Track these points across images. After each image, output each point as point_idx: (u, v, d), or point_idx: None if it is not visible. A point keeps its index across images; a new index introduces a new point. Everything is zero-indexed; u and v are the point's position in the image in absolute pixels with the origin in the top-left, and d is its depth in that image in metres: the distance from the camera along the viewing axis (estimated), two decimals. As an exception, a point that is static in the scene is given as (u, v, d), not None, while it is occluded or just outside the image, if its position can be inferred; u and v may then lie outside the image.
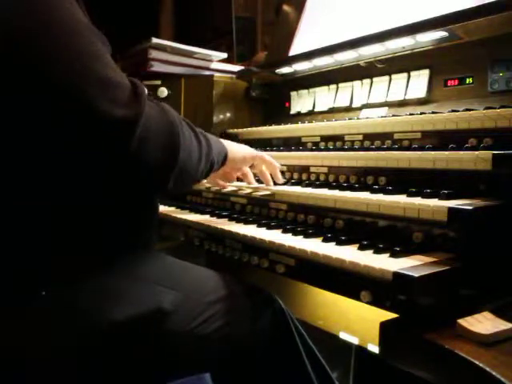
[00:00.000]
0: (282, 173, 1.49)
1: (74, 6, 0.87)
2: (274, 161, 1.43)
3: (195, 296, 1.01)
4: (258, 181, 1.58)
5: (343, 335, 1.67)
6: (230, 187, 1.55)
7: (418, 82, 1.52)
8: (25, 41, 0.79)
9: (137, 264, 1.02)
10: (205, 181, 1.50)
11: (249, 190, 1.47)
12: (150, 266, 1.04)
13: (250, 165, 1.42)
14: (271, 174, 1.45)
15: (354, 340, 1.63)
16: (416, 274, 0.81)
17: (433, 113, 1.26)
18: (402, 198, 1.04)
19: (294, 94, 2.01)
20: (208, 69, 2.18)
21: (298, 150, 1.62)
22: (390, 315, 0.88)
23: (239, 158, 1.34)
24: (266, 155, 1.42)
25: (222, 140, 1.24)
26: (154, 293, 0.97)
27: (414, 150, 1.20)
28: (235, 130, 2.02)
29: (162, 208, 1.71)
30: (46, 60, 0.79)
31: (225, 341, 1.02)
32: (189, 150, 0.98)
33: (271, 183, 1.44)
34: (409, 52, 1.52)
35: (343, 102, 1.77)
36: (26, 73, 0.80)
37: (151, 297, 0.96)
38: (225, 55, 2.21)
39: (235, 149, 1.32)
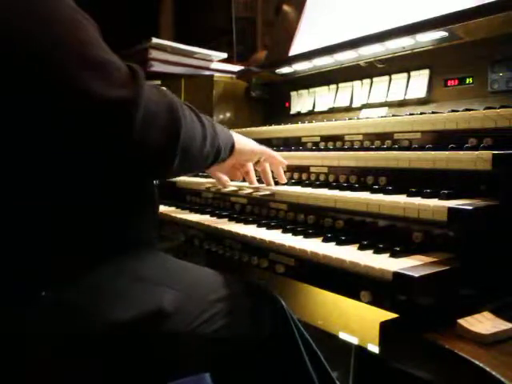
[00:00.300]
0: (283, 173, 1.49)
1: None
2: (281, 158, 1.42)
3: (196, 296, 1.01)
4: (259, 181, 1.58)
5: (343, 335, 1.67)
6: (230, 187, 1.54)
7: (418, 82, 1.52)
8: (19, 31, 0.79)
9: (137, 264, 1.02)
10: (210, 178, 1.50)
11: (249, 190, 1.47)
12: (150, 266, 1.04)
13: (256, 160, 1.40)
14: (274, 174, 1.44)
15: (354, 340, 1.63)
16: (416, 274, 0.81)
17: (433, 113, 1.26)
18: (401, 198, 1.04)
19: (293, 94, 2.01)
20: (208, 69, 2.18)
21: (298, 149, 1.61)
22: (390, 315, 0.88)
23: (247, 150, 1.32)
24: (274, 152, 1.42)
25: (229, 130, 1.23)
26: (155, 293, 0.97)
27: (414, 149, 1.20)
28: (235, 130, 2.02)
29: (162, 208, 1.71)
30: (41, 52, 0.79)
31: (226, 340, 1.02)
32: (191, 131, 0.96)
33: (272, 184, 1.44)
34: (409, 52, 1.52)
35: (343, 101, 1.77)
36: (23, 67, 0.79)
37: (152, 297, 0.95)
38: (225, 55, 2.21)
39: (243, 141, 1.31)
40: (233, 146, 1.23)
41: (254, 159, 1.40)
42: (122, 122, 0.81)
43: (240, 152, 1.27)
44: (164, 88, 0.95)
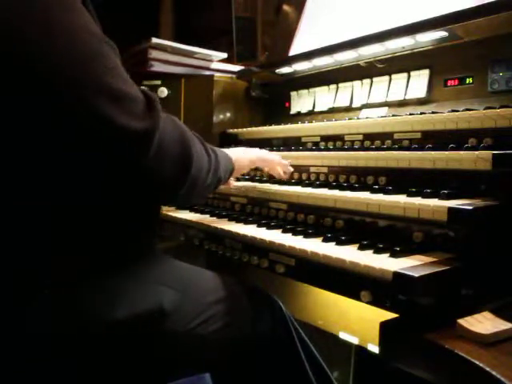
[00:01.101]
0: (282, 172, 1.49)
1: (85, 15, 0.85)
2: (284, 161, 1.44)
3: (195, 296, 1.01)
4: (259, 180, 1.58)
5: (343, 335, 1.67)
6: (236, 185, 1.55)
7: (418, 82, 1.52)
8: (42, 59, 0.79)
9: (137, 264, 1.02)
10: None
11: (248, 189, 1.47)
12: (150, 266, 1.04)
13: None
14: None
15: (354, 340, 1.63)
16: (416, 274, 0.81)
17: (433, 113, 1.26)
18: (401, 198, 1.04)
19: (294, 94, 2.01)
20: (208, 69, 2.18)
21: (298, 149, 1.62)
22: (390, 315, 0.88)
23: (245, 166, 1.36)
24: (277, 157, 1.43)
25: (227, 151, 1.24)
26: (154, 293, 0.97)
27: (414, 150, 1.20)
28: (235, 130, 2.02)
29: (162, 208, 1.71)
30: (59, 81, 0.79)
31: (224, 341, 1.02)
32: (200, 164, 0.98)
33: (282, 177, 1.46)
34: (409, 52, 1.52)
35: (343, 102, 1.77)
36: (41, 91, 0.79)
37: (151, 297, 0.96)
38: (225, 55, 2.20)
39: (242, 157, 1.33)
40: (232, 170, 1.25)
41: (253, 167, 1.44)
42: (137, 153, 0.83)
43: (238, 171, 1.31)
44: (176, 118, 0.96)
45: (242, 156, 1.33)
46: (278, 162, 1.43)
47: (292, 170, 1.47)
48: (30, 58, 0.79)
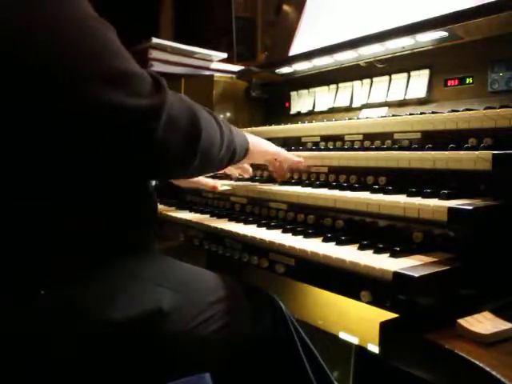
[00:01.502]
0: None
1: (85, 4, 0.86)
2: (296, 158, 1.44)
3: (194, 296, 1.01)
4: (259, 180, 1.58)
5: (343, 335, 1.67)
6: (225, 186, 1.55)
7: (418, 82, 1.52)
8: (39, 47, 0.79)
9: (136, 264, 1.02)
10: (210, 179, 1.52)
11: (248, 189, 1.47)
12: (149, 266, 1.04)
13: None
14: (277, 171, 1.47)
15: (354, 340, 1.63)
16: (416, 274, 0.81)
17: (433, 113, 1.26)
18: (401, 198, 1.04)
19: (294, 93, 2.01)
20: (208, 69, 2.18)
21: (298, 149, 1.61)
22: (390, 315, 0.88)
23: (261, 153, 1.36)
24: (287, 153, 1.43)
25: (244, 133, 1.25)
26: (153, 293, 0.97)
27: (414, 150, 1.20)
28: (235, 130, 2.02)
29: (162, 208, 1.71)
30: (66, 66, 0.79)
31: (224, 341, 1.02)
32: (211, 136, 1.00)
33: (286, 177, 1.47)
34: (409, 52, 1.52)
35: (343, 102, 1.77)
36: (48, 79, 0.79)
37: (150, 297, 0.95)
38: (225, 55, 2.21)
39: (257, 143, 1.33)
40: (247, 150, 1.25)
41: (267, 160, 1.43)
42: (148, 129, 0.84)
43: (254, 154, 1.30)
44: (184, 96, 0.97)
45: (258, 143, 1.33)
46: (291, 160, 1.44)
47: (304, 164, 1.47)
48: (36, 52, 0.78)
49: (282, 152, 1.42)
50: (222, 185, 1.55)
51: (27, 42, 0.78)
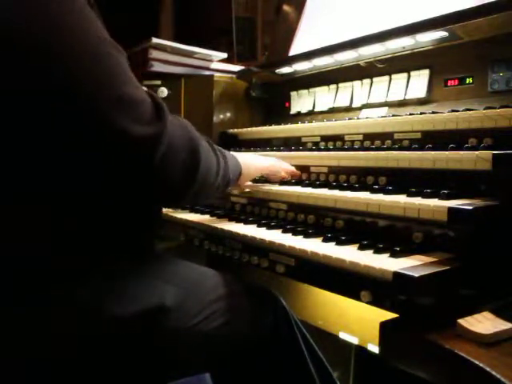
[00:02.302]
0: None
1: (93, 20, 0.85)
2: (290, 167, 1.45)
3: (196, 293, 1.01)
4: (259, 181, 1.58)
5: (343, 335, 1.67)
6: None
7: (418, 82, 1.52)
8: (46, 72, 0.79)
9: (137, 263, 1.02)
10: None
11: (248, 190, 1.47)
12: (151, 264, 1.04)
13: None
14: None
15: (354, 340, 1.63)
16: (416, 274, 0.81)
17: (433, 113, 1.26)
18: (402, 198, 1.04)
19: (294, 93, 2.01)
20: (208, 69, 2.18)
21: (298, 149, 1.62)
22: (390, 315, 0.88)
23: (252, 172, 1.38)
24: (280, 164, 1.45)
25: (236, 155, 1.25)
26: (154, 290, 0.97)
27: (414, 150, 1.20)
28: (235, 130, 2.02)
29: (162, 208, 1.71)
30: (66, 83, 0.79)
31: (225, 339, 1.02)
32: (207, 167, 0.99)
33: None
34: (409, 52, 1.52)
35: (343, 102, 1.77)
36: (47, 95, 0.79)
37: (152, 294, 0.96)
38: (225, 55, 2.20)
39: (249, 162, 1.33)
40: (240, 173, 1.26)
41: (260, 175, 1.46)
42: (146, 156, 0.84)
43: (245, 176, 1.31)
44: (185, 120, 0.97)
45: (250, 162, 1.34)
46: (285, 171, 1.45)
47: (299, 173, 1.48)
48: (56, 77, 0.79)
49: (274, 165, 1.43)
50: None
51: (38, 53, 0.78)
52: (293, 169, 1.47)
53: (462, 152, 1.03)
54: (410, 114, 1.32)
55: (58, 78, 0.79)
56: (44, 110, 0.80)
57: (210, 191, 1.06)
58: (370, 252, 0.98)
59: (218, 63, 2.20)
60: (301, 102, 1.97)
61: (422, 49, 1.48)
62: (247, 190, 1.50)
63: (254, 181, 1.59)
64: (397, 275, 0.83)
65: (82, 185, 0.89)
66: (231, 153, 1.22)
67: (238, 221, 1.38)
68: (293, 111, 2.00)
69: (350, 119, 1.56)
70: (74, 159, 0.84)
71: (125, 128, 0.80)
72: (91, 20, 0.85)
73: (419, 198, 1.02)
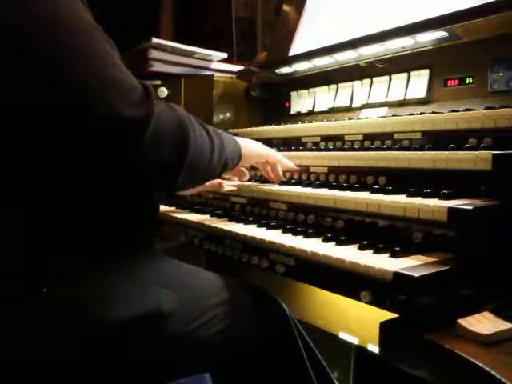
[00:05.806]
0: (282, 173, 1.49)
1: (81, 8, 0.87)
2: (289, 162, 1.44)
3: (195, 298, 1.01)
4: (259, 180, 1.58)
5: (343, 335, 1.67)
6: (228, 187, 1.55)
7: (418, 82, 1.52)
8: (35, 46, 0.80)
9: (136, 265, 1.02)
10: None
11: (248, 189, 1.47)
12: (149, 267, 1.04)
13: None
14: (272, 173, 1.45)
15: (354, 340, 1.63)
16: (416, 274, 0.81)
17: (433, 113, 1.26)
18: (402, 198, 1.04)
19: (294, 93, 2.01)
20: (208, 69, 2.18)
21: (298, 149, 1.61)
22: (390, 315, 0.88)
23: (253, 156, 1.35)
24: (280, 155, 1.43)
25: (237, 138, 1.24)
26: (153, 294, 0.96)
27: (414, 150, 1.20)
28: (235, 129, 2.02)
29: (162, 208, 1.71)
30: (60, 69, 0.80)
31: (225, 343, 1.01)
32: (200, 148, 0.99)
33: (278, 181, 1.45)
34: (409, 52, 1.52)
35: (343, 101, 1.77)
36: (41, 80, 0.80)
37: (150, 298, 0.95)
38: (225, 55, 2.20)
39: (249, 147, 1.32)
40: (240, 155, 1.24)
41: (258, 162, 1.42)
42: (132, 140, 0.84)
43: (246, 159, 1.29)
44: (174, 104, 0.97)
45: (251, 147, 1.33)
46: (284, 164, 1.43)
47: (297, 168, 1.47)
48: (34, 57, 0.79)
49: (273, 154, 1.41)
50: (227, 185, 1.54)
51: (30, 41, 0.79)
52: (292, 165, 1.45)
53: (461, 152, 1.03)
54: (410, 114, 1.32)
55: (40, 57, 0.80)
56: (29, 91, 0.81)
57: (205, 170, 1.05)
58: (369, 252, 0.98)
59: (217, 63, 2.20)
60: (301, 102, 1.97)
61: (421, 49, 1.48)
62: (232, 188, 1.49)
63: (254, 181, 1.60)
64: (397, 275, 0.83)
65: (80, 172, 0.89)
66: (233, 136, 1.22)
67: (238, 221, 1.38)
68: (293, 111, 2.00)
69: (350, 119, 1.55)
70: (62, 143, 0.84)
71: (117, 110, 0.81)
72: (82, 11, 0.86)
73: (419, 198, 1.02)
